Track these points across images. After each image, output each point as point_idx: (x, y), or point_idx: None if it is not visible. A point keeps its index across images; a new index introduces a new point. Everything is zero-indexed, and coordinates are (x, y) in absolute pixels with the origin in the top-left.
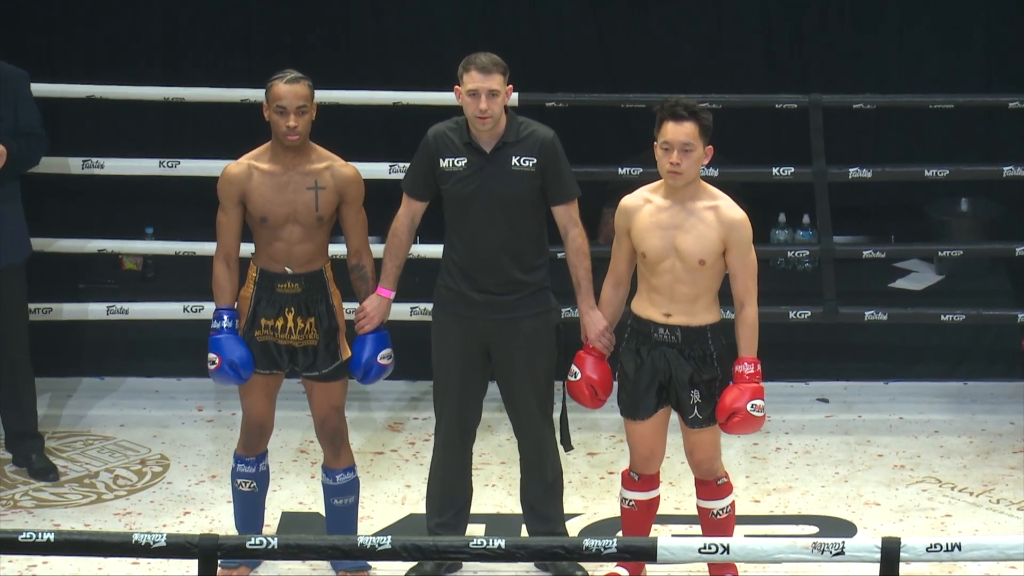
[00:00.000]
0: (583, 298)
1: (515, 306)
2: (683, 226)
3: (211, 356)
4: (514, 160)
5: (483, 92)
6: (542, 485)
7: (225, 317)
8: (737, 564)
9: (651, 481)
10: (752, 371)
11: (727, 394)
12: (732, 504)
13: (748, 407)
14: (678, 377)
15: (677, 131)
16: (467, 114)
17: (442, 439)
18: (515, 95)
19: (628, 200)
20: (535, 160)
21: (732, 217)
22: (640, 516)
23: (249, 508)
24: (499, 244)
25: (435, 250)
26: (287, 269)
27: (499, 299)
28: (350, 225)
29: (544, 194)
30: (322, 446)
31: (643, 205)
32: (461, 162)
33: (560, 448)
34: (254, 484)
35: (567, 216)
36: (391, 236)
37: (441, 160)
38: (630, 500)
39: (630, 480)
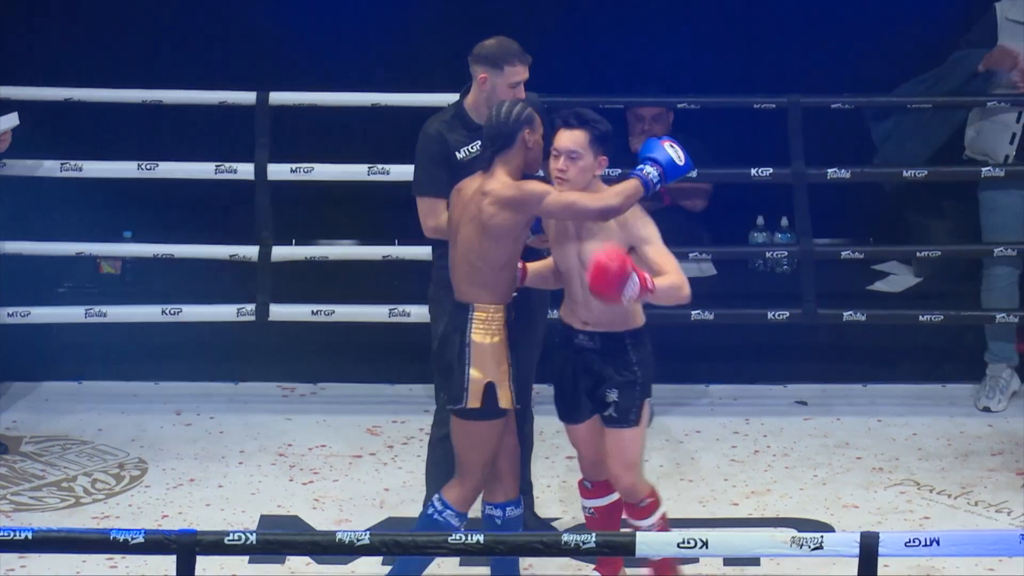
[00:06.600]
0: None
1: None
2: (583, 235)
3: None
4: None
5: (523, 84)
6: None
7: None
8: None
9: (604, 487)
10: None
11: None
12: (662, 517)
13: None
14: (600, 376)
15: (565, 138)
16: None
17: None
18: None
19: None
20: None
21: (627, 217)
22: (602, 523)
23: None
24: None
25: (414, 252)
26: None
27: None
28: None
29: None
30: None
31: None
32: (476, 146)
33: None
34: None
35: None
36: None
37: (457, 152)
38: (588, 508)
39: (584, 488)
